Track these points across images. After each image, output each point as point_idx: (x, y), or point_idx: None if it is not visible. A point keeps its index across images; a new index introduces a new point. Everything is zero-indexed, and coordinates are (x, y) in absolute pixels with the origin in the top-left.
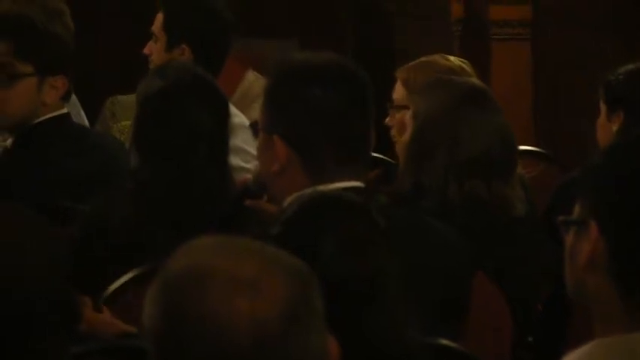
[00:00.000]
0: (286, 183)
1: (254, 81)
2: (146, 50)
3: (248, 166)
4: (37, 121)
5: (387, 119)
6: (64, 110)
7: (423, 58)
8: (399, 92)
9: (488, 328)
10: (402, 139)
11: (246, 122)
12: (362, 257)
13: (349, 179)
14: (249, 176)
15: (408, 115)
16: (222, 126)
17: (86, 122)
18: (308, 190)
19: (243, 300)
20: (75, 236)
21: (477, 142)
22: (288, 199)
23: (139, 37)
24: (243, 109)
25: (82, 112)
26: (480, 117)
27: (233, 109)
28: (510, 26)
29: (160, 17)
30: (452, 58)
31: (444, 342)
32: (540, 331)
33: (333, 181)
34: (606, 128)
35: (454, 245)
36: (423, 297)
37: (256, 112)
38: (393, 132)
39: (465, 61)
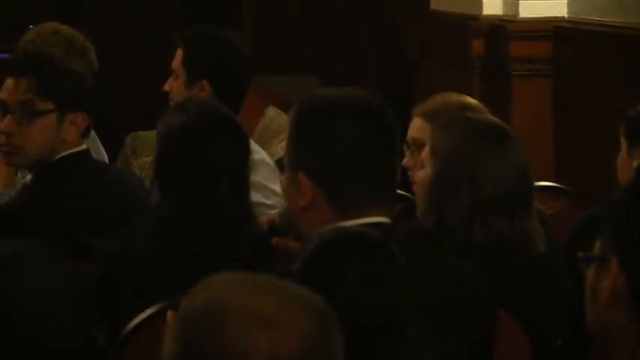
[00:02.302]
0: (313, 219)
1: (274, 117)
2: (166, 87)
3: (269, 202)
4: (56, 157)
5: (405, 160)
6: (84, 146)
7: (439, 96)
8: (419, 130)
9: None
10: (419, 175)
11: (267, 158)
12: (382, 294)
13: (376, 215)
14: (274, 212)
15: (424, 151)
16: (243, 162)
17: (106, 158)
18: (329, 227)
19: (262, 336)
20: (96, 273)
21: (499, 180)
22: (313, 235)
23: (160, 73)
24: (263, 145)
25: (102, 148)
26: (500, 154)
27: (254, 146)
28: (531, 62)
29: (179, 53)
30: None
31: None
32: None
33: (359, 216)
34: (627, 164)
35: (474, 281)
36: (444, 333)
37: (277, 147)
38: (411, 172)
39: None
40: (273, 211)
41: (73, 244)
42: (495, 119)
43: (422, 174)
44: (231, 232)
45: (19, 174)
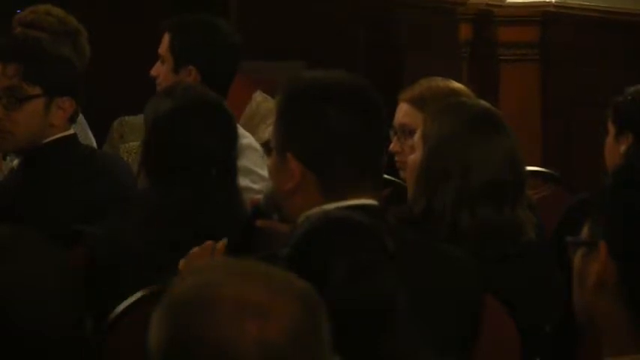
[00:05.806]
0: (300, 201)
1: (262, 102)
2: (153, 72)
3: (256, 187)
4: (44, 142)
5: (392, 145)
6: (71, 131)
7: (425, 81)
8: (406, 116)
9: (497, 352)
10: (411, 159)
11: (255, 143)
12: (372, 281)
13: (362, 197)
14: (259, 196)
15: (416, 136)
16: (230, 147)
17: (94, 143)
18: (316, 210)
19: (252, 324)
20: (84, 260)
21: (489, 167)
22: (300, 218)
23: (148, 58)
24: (251, 130)
25: (90, 133)
26: (491, 141)
27: (241, 130)
28: (518, 47)
29: (166, 39)
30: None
31: None
32: (549, 355)
33: (346, 198)
34: (614, 149)
35: (464, 269)
36: (433, 320)
37: (264, 132)
38: (398, 157)
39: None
40: (259, 196)
41: (62, 231)
42: (489, 105)
43: (413, 158)
44: (220, 218)
45: (7, 158)
